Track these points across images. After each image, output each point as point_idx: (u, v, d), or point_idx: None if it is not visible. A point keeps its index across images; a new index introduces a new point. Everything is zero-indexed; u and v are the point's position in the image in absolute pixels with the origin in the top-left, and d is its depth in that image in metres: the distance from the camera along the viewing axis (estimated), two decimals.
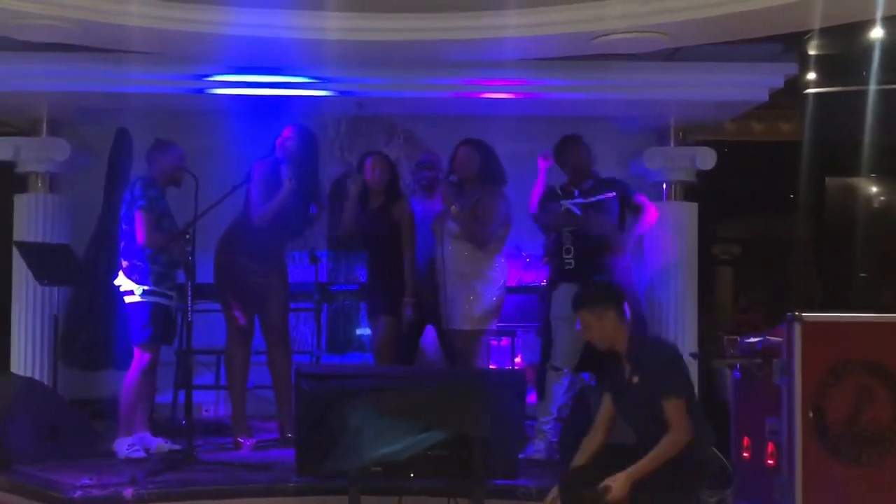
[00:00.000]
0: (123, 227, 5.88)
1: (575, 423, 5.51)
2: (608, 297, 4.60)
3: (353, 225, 6.24)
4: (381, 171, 6.21)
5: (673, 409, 4.34)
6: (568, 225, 6.01)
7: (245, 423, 6.22)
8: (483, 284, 6.00)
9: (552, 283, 6.14)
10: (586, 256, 5.92)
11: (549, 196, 6.16)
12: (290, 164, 6.07)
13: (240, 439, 6.11)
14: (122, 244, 5.87)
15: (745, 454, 5.25)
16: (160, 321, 5.80)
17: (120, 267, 5.84)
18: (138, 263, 5.77)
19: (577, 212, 6.00)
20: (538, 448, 5.88)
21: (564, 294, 5.84)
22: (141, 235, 5.74)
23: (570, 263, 5.97)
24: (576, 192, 6.07)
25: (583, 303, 4.62)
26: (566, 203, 6.04)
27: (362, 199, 6.26)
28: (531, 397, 6.27)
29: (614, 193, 6.06)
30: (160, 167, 5.96)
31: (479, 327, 6.01)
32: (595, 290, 4.73)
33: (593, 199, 6.01)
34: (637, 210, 6.11)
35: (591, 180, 6.12)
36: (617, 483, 4.18)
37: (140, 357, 5.82)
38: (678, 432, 4.31)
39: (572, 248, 5.97)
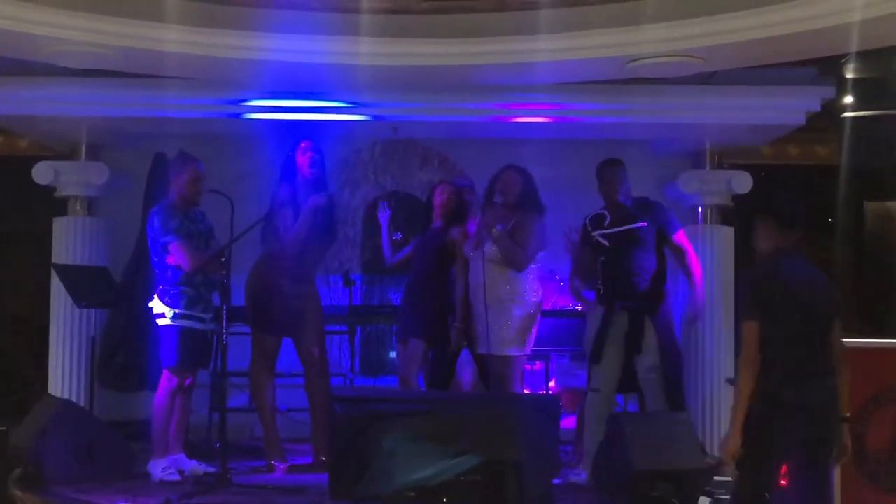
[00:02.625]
0: (154, 259, 5.91)
1: (610, 448, 5.47)
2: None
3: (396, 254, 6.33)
4: (448, 200, 6.29)
5: (744, 330, 4.08)
6: (598, 255, 5.94)
7: (278, 445, 6.22)
8: (518, 308, 5.99)
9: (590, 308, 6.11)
10: (615, 282, 5.87)
11: (583, 229, 6.07)
12: (312, 179, 6.12)
13: (273, 462, 6.11)
14: (157, 273, 5.91)
15: (782, 482, 5.18)
16: (190, 345, 5.82)
17: (155, 291, 5.89)
18: (171, 289, 5.81)
19: (605, 242, 5.91)
20: (578, 473, 5.83)
21: (596, 318, 5.85)
22: (185, 262, 5.76)
23: (599, 289, 5.94)
24: (607, 219, 5.96)
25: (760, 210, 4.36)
26: (595, 234, 5.96)
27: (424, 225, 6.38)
28: (565, 422, 6.24)
29: (646, 224, 5.90)
30: (177, 187, 5.97)
31: (514, 352, 5.99)
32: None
33: (621, 228, 5.90)
34: (678, 252, 5.97)
35: (623, 208, 5.99)
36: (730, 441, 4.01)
37: (169, 379, 5.85)
38: (742, 355, 4.07)
39: (600, 277, 5.92)
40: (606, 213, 5.99)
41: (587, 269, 6.04)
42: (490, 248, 5.96)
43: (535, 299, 6.09)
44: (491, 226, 5.94)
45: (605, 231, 5.92)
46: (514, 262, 5.97)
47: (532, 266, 6.07)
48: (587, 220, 6.05)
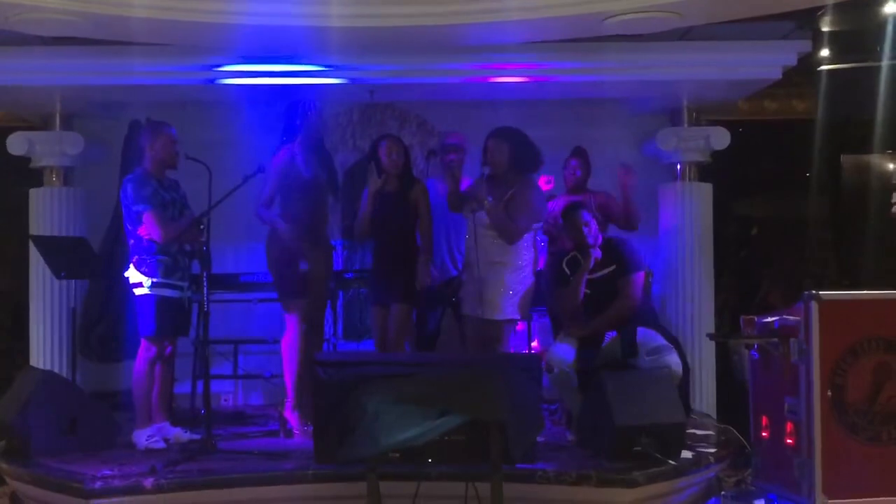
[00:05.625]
0: (128, 227, 5.86)
1: (592, 405, 5.51)
2: None
3: (369, 222, 6.21)
4: (396, 154, 6.19)
5: None
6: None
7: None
8: (511, 274, 5.97)
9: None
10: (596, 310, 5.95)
11: (559, 270, 6.14)
12: (308, 140, 6.05)
13: (290, 427, 6.04)
14: (132, 242, 5.86)
15: (763, 434, 5.25)
16: (167, 313, 5.79)
17: (131, 260, 5.85)
18: (147, 258, 5.77)
19: (587, 290, 5.97)
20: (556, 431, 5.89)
21: None
22: (157, 233, 5.72)
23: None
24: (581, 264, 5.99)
25: None
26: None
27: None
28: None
29: (614, 267, 5.94)
30: (152, 153, 5.90)
31: (506, 316, 5.99)
32: None
33: (599, 274, 5.95)
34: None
35: (596, 252, 5.97)
36: None
37: (147, 348, 5.83)
38: None
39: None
40: (580, 256, 6.01)
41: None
42: (483, 215, 5.91)
43: (528, 265, 6.08)
44: (482, 198, 5.87)
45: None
46: (506, 235, 5.94)
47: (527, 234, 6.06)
48: (565, 264, 6.08)
